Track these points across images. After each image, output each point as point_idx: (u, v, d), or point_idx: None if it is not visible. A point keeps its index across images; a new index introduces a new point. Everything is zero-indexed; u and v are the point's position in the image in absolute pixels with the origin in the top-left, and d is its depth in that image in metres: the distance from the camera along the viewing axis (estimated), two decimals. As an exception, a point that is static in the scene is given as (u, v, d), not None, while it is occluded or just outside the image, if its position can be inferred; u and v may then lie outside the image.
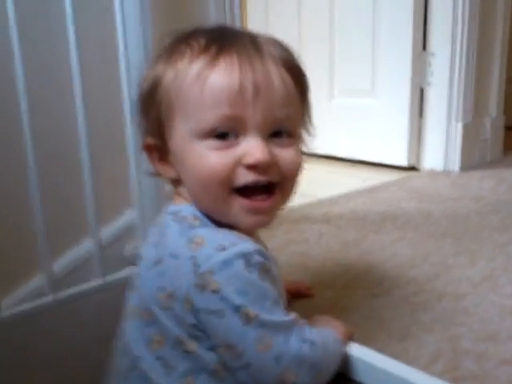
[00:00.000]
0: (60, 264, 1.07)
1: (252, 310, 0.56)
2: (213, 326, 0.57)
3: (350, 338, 0.71)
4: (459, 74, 1.63)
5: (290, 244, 1.14)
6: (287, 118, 0.62)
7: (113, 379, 0.67)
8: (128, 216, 1.19)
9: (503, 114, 1.84)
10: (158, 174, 0.68)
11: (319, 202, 1.46)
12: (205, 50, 0.60)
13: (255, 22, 2.14)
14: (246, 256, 0.57)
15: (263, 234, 0.71)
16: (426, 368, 0.66)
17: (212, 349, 0.59)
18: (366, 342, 0.72)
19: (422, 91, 1.73)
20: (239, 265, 0.56)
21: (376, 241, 1.13)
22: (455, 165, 1.69)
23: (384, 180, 1.67)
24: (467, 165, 1.70)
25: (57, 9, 0.97)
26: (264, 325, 0.57)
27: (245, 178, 0.60)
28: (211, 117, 0.59)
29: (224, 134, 0.59)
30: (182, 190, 0.65)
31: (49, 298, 0.94)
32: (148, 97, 0.64)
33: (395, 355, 0.69)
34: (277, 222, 0.66)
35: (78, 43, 0.94)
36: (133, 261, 1.18)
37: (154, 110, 0.63)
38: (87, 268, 1.07)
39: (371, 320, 0.79)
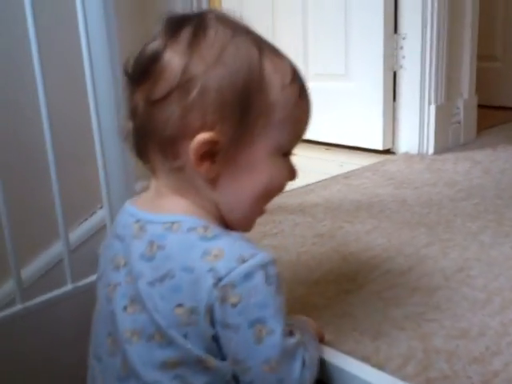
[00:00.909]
0: (32, 268, 1.06)
1: (267, 326, 0.56)
2: (225, 339, 0.56)
3: (322, 339, 0.72)
4: (430, 57, 1.62)
5: (265, 237, 1.13)
6: None
7: None
8: (100, 215, 1.18)
9: (475, 93, 1.84)
10: (145, 163, 0.63)
11: (295, 190, 1.45)
12: (292, 69, 0.64)
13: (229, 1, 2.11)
14: (265, 267, 0.56)
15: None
16: (398, 370, 0.66)
17: (224, 359, 0.58)
18: (337, 341, 0.72)
19: (395, 74, 1.72)
20: (260, 277, 0.56)
21: (351, 231, 1.13)
22: (430, 147, 1.68)
23: (360, 164, 1.66)
24: (441, 147, 1.70)
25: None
26: (274, 346, 0.56)
27: (281, 191, 0.66)
28: (293, 138, 0.64)
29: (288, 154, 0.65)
30: (204, 189, 0.61)
31: (19, 307, 0.92)
32: (247, 98, 0.59)
33: (367, 356, 0.69)
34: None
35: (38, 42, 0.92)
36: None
37: (249, 111, 0.59)
38: (60, 271, 1.05)
39: (343, 318, 0.79)
